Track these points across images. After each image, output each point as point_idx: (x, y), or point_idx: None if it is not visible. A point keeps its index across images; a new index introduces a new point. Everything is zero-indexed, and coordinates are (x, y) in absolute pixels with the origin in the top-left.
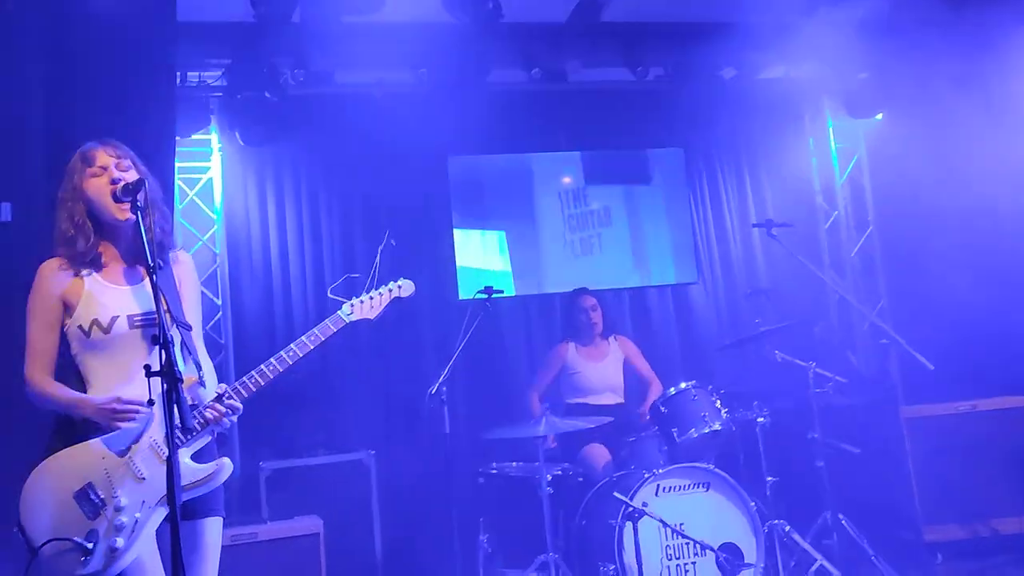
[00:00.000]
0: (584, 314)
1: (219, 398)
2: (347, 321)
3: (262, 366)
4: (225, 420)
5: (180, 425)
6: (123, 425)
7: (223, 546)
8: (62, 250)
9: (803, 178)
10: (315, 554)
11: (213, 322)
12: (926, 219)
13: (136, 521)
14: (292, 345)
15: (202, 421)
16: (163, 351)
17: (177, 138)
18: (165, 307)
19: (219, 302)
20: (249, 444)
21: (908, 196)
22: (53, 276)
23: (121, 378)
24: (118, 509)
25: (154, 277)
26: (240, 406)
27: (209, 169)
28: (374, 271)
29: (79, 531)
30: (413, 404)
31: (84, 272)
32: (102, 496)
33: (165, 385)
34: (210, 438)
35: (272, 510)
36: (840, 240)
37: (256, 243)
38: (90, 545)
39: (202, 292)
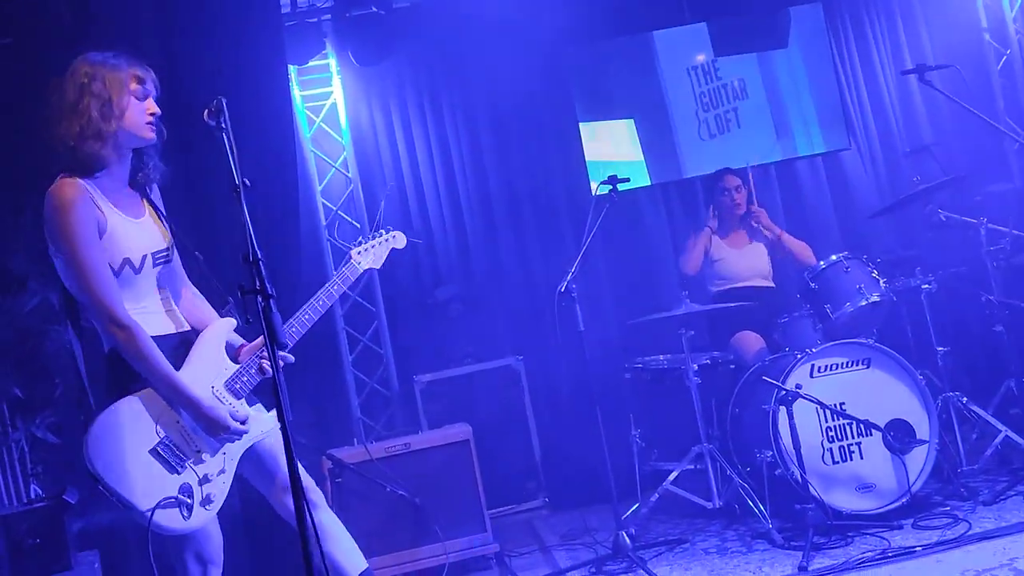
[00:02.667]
0: (727, 195)
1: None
2: (360, 271)
3: (298, 314)
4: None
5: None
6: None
7: (380, 458)
8: (80, 153)
9: (967, 16)
10: (468, 460)
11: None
12: None
13: (222, 470)
14: (320, 294)
15: (260, 369)
16: (257, 270)
17: (295, 66)
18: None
19: (358, 226)
20: (402, 359)
21: None
22: (84, 197)
23: (136, 318)
24: (200, 462)
25: (241, 198)
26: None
27: (331, 94)
28: (378, 218)
29: (171, 487)
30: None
31: (99, 199)
32: (181, 448)
33: (262, 303)
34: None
35: (429, 421)
36: (1016, 82)
37: (387, 163)
38: (189, 499)
39: (342, 217)
